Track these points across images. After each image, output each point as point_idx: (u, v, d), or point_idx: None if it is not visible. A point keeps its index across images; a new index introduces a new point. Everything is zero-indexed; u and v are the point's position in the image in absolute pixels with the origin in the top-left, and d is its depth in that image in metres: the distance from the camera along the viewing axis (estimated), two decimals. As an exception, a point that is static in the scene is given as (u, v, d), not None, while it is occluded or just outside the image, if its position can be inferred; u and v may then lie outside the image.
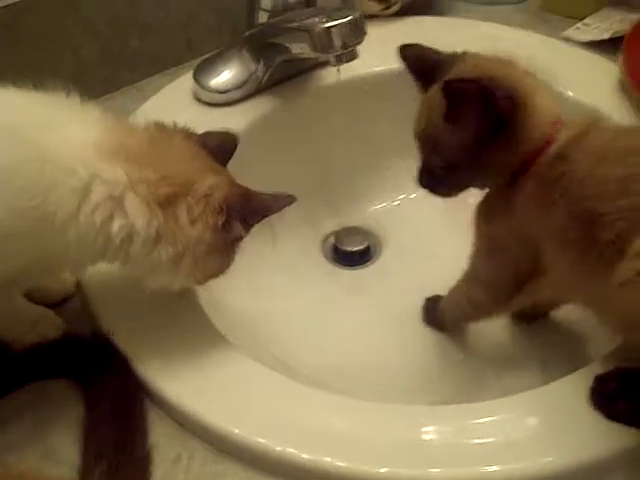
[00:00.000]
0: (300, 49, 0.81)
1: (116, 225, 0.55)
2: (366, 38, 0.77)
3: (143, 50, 0.93)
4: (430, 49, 0.67)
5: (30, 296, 0.66)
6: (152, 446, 0.58)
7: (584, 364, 0.62)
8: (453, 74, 0.63)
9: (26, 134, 0.54)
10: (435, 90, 0.63)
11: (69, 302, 0.70)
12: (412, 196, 0.95)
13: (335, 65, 0.79)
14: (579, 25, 1.00)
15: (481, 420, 0.59)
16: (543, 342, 0.75)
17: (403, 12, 1.03)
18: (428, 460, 0.57)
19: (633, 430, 0.56)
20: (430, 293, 0.79)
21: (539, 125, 0.61)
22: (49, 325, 0.66)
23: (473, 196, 0.67)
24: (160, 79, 0.95)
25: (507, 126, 0.60)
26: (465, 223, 0.68)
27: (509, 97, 0.59)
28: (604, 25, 0.99)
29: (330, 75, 0.90)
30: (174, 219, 0.57)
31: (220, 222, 0.58)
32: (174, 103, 0.90)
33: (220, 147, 0.64)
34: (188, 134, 0.62)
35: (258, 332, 0.77)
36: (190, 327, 0.66)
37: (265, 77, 0.89)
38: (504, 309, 0.72)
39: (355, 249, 0.92)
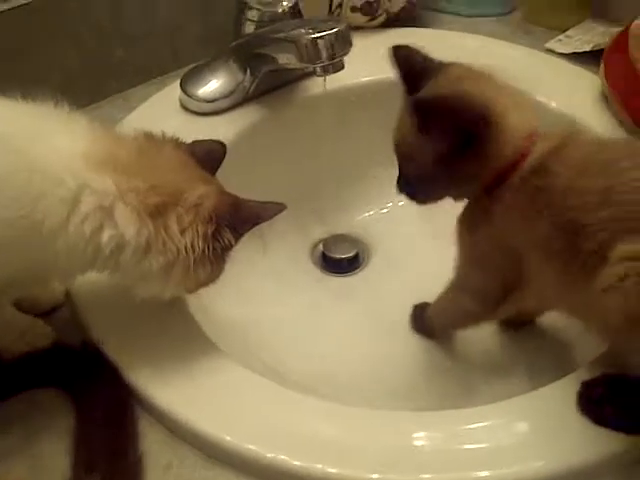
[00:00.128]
0: (287, 59, 0.81)
1: (106, 235, 0.55)
2: (352, 49, 0.78)
3: (129, 60, 0.93)
4: (420, 53, 0.68)
5: (19, 305, 0.66)
6: (143, 453, 0.58)
7: (571, 370, 0.63)
8: (430, 87, 0.64)
9: (14, 144, 0.54)
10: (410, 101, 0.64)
11: (58, 311, 0.69)
12: (400, 204, 0.95)
13: (321, 75, 0.80)
14: (561, 37, 1.02)
15: (471, 426, 0.59)
16: (530, 348, 0.76)
17: (388, 24, 1.04)
18: (419, 466, 0.57)
19: (621, 435, 0.57)
20: (418, 300, 0.79)
21: (511, 140, 0.61)
22: (39, 334, 0.66)
23: (461, 204, 0.68)
24: (147, 88, 0.95)
25: (476, 142, 0.61)
26: (453, 231, 0.68)
27: (476, 116, 0.60)
28: (586, 37, 1.01)
29: (317, 85, 0.91)
30: (164, 228, 0.57)
31: (210, 231, 0.58)
32: (161, 112, 0.90)
33: (208, 156, 0.65)
34: (177, 144, 0.62)
35: (248, 339, 0.77)
36: (180, 335, 0.66)
37: (252, 87, 0.89)
38: (492, 317, 0.72)
39: (344, 256, 0.93)
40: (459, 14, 1.10)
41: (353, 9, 1.01)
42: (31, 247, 0.55)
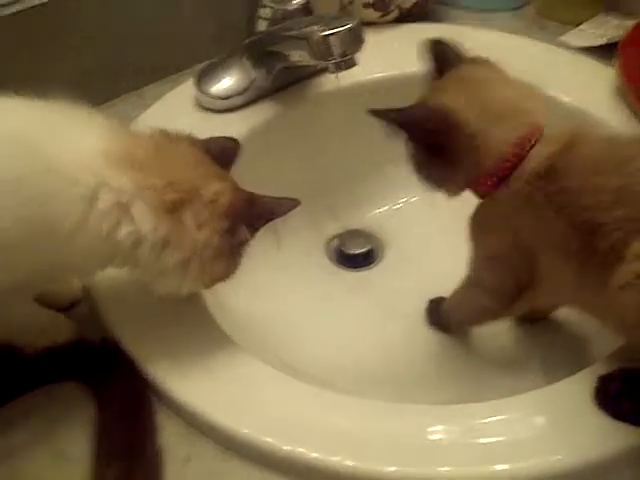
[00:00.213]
0: (299, 57, 0.82)
1: (123, 231, 0.56)
2: (365, 45, 0.78)
3: (144, 57, 0.94)
4: (453, 50, 0.70)
5: (38, 301, 0.66)
6: (161, 446, 0.59)
7: (587, 364, 0.63)
8: (423, 94, 0.68)
9: (33, 144, 0.55)
10: None
11: (77, 307, 0.70)
12: (414, 199, 0.96)
13: (334, 72, 0.80)
14: (575, 31, 1.01)
15: (488, 419, 0.59)
16: (546, 342, 0.76)
17: (401, 19, 1.04)
18: (437, 459, 0.57)
19: (638, 429, 0.56)
20: (432, 295, 0.79)
21: (490, 147, 0.62)
22: (61, 329, 0.67)
23: (474, 199, 0.68)
24: (161, 86, 0.96)
25: (443, 150, 0.64)
26: (466, 228, 0.69)
27: (434, 128, 0.64)
28: (600, 31, 1.00)
29: (329, 82, 0.91)
30: (181, 224, 0.57)
31: (226, 226, 0.59)
32: (176, 110, 0.91)
33: (223, 153, 0.65)
34: (192, 141, 0.63)
35: (263, 333, 0.77)
36: (197, 329, 0.67)
37: (265, 84, 0.90)
38: (508, 313, 0.72)
39: (358, 252, 0.93)
40: (472, 9, 1.10)
41: (365, 5, 1.01)
42: (50, 246, 0.56)
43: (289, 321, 0.82)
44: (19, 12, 0.82)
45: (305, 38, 0.77)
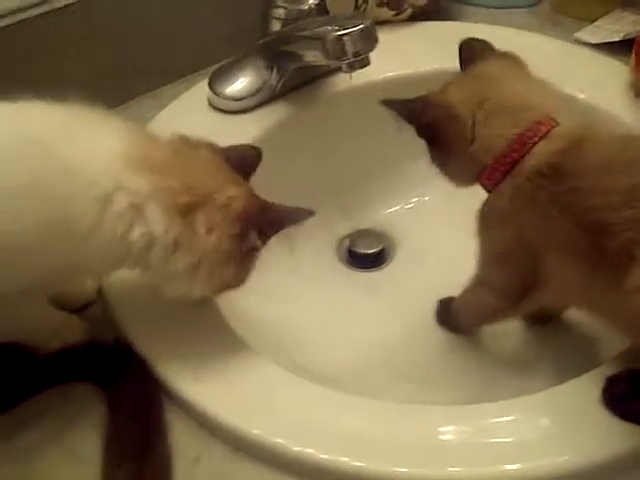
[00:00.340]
0: (313, 57, 0.82)
1: (137, 232, 0.56)
2: (378, 44, 0.78)
3: (159, 58, 0.94)
4: (481, 46, 0.71)
5: (52, 302, 0.67)
6: (172, 446, 0.59)
7: (598, 365, 0.62)
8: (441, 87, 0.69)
9: (52, 146, 0.55)
10: None
11: (90, 308, 0.71)
12: (425, 199, 0.97)
13: (347, 72, 0.80)
14: (590, 27, 1.01)
15: (498, 420, 0.60)
16: (555, 344, 0.75)
17: (414, 17, 1.04)
18: (447, 459, 0.57)
19: (646, 430, 0.56)
20: (444, 295, 0.79)
21: (488, 143, 0.64)
22: (74, 330, 0.68)
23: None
24: (176, 87, 0.96)
25: (444, 142, 0.66)
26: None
27: (433, 120, 0.66)
28: (615, 27, 0.99)
29: (343, 81, 0.91)
30: (192, 228, 0.57)
31: (236, 232, 0.59)
32: (190, 111, 0.91)
33: (243, 161, 0.65)
34: (212, 148, 0.63)
35: (274, 334, 0.78)
36: (209, 330, 0.67)
37: (279, 84, 0.90)
38: (516, 312, 0.72)
39: (369, 252, 0.93)
40: (486, 6, 1.09)
41: (379, 4, 1.01)
42: (66, 247, 0.56)
43: (300, 322, 0.82)
44: (32, 17, 0.83)
45: (319, 38, 0.78)
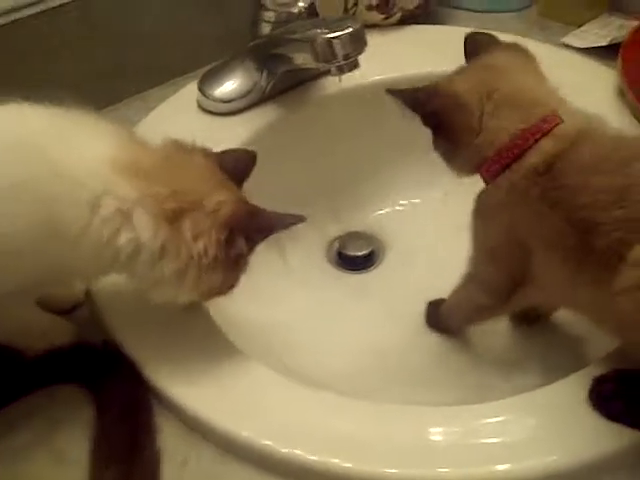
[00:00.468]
0: (302, 59, 0.82)
1: (123, 238, 0.56)
2: (368, 47, 0.78)
3: (147, 60, 0.94)
4: (487, 39, 0.72)
5: (41, 304, 0.67)
6: (160, 448, 0.59)
7: (584, 365, 0.63)
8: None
9: (42, 149, 0.55)
10: None
11: (78, 310, 0.71)
12: (415, 201, 0.97)
13: (336, 75, 0.80)
14: (577, 32, 1.01)
15: (487, 420, 0.60)
16: (543, 344, 0.76)
17: (404, 21, 1.04)
18: (436, 460, 0.57)
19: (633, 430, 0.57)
20: (434, 297, 0.80)
21: (490, 133, 0.63)
22: (61, 332, 0.67)
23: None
24: (164, 89, 0.96)
25: (447, 131, 0.66)
26: (468, 227, 0.69)
27: (437, 109, 0.66)
28: (603, 31, 1.00)
29: (332, 84, 0.92)
30: (179, 234, 0.57)
31: (223, 237, 0.58)
32: (179, 113, 0.91)
33: (237, 166, 0.65)
34: (206, 153, 0.63)
35: (264, 337, 0.77)
36: (198, 333, 0.67)
37: (269, 87, 0.90)
38: (504, 310, 0.72)
39: (359, 254, 0.93)
40: (475, 10, 1.10)
41: (369, 7, 1.01)
42: (55, 251, 0.56)
43: (289, 324, 0.82)
44: (22, 18, 0.82)
45: (309, 41, 0.78)
